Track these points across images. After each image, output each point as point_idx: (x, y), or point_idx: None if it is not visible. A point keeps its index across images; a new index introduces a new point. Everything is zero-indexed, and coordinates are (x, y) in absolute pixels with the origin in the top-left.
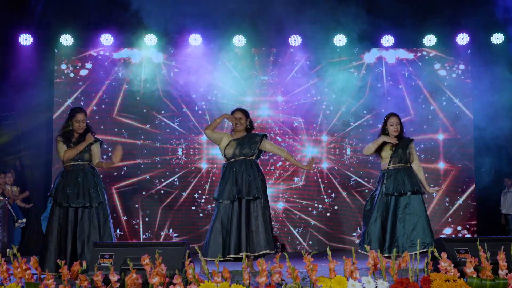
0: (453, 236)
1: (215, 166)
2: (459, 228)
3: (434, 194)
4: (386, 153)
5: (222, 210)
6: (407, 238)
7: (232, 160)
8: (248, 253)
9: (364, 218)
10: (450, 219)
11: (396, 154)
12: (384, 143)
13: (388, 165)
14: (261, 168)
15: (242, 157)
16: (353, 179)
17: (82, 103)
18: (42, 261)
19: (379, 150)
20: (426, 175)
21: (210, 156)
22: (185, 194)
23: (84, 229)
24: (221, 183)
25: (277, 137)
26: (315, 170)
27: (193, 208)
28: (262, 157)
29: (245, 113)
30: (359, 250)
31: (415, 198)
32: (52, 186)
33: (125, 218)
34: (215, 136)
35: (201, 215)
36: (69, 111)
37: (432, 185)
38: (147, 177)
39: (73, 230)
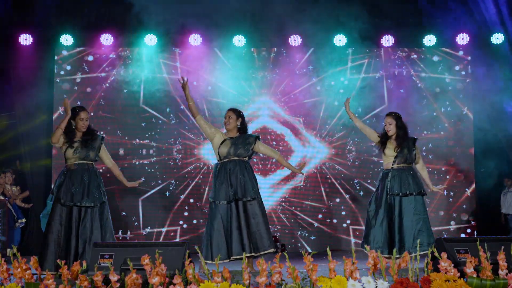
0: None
1: (212, 166)
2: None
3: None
4: (391, 151)
5: (222, 211)
6: (414, 239)
7: (226, 160)
8: (253, 254)
9: (368, 219)
10: (449, 219)
11: (402, 154)
12: (388, 141)
13: (393, 164)
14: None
15: (235, 158)
16: (354, 179)
17: (81, 103)
18: (42, 260)
19: (383, 146)
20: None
21: (209, 156)
22: (184, 194)
23: (87, 229)
24: (215, 183)
25: (277, 138)
26: (315, 170)
27: (193, 208)
28: (261, 155)
29: (236, 112)
30: (362, 249)
31: (419, 199)
32: (53, 185)
33: (123, 214)
34: (209, 129)
35: (200, 214)
36: (74, 110)
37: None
38: (144, 178)
39: (76, 230)
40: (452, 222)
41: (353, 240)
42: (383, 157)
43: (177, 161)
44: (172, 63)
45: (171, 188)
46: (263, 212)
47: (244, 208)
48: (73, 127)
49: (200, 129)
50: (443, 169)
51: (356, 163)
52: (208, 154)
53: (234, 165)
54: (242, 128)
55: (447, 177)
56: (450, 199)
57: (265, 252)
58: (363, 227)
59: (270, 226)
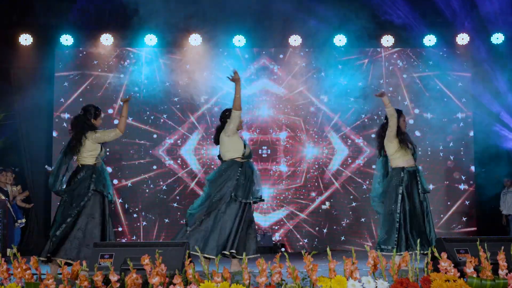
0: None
1: (214, 165)
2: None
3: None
4: (408, 149)
5: (241, 208)
6: (429, 235)
7: (248, 160)
8: (239, 256)
9: (390, 218)
10: (450, 219)
11: (415, 150)
12: (401, 138)
13: (415, 161)
14: None
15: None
16: (354, 179)
17: (82, 103)
18: (57, 247)
19: (404, 142)
20: (426, 173)
21: (210, 156)
22: (184, 195)
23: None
24: (246, 182)
25: (277, 138)
26: (316, 171)
27: None
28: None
29: None
30: (382, 247)
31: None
32: (91, 180)
33: (124, 210)
34: (238, 125)
35: None
36: (94, 109)
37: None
38: (147, 176)
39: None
40: (452, 223)
41: (353, 239)
42: (400, 154)
43: (178, 160)
44: (172, 63)
45: (173, 186)
46: (253, 217)
47: (248, 209)
48: (95, 127)
49: (236, 121)
50: (442, 169)
51: (359, 163)
52: (208, 154)
53: (253, 166)
54: None
55: (447, 177)
56: (448, 204)
57: (251, 256)
58: (364, 227)
59: (271, 226)
